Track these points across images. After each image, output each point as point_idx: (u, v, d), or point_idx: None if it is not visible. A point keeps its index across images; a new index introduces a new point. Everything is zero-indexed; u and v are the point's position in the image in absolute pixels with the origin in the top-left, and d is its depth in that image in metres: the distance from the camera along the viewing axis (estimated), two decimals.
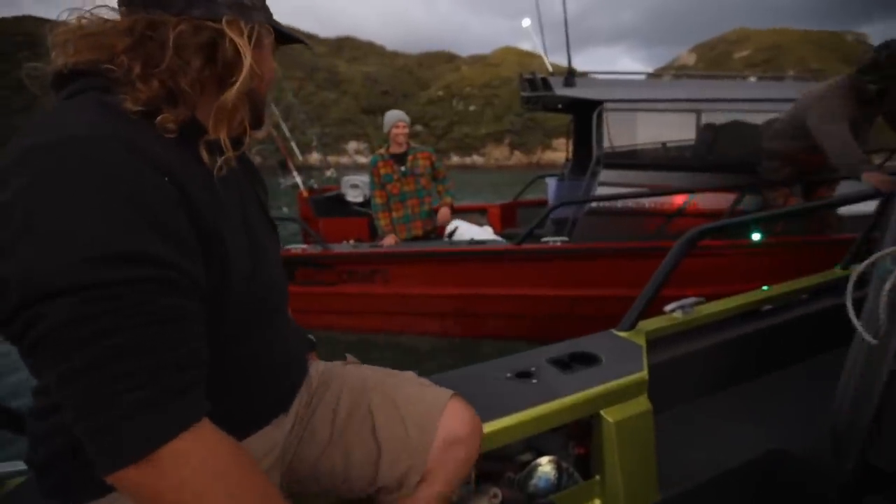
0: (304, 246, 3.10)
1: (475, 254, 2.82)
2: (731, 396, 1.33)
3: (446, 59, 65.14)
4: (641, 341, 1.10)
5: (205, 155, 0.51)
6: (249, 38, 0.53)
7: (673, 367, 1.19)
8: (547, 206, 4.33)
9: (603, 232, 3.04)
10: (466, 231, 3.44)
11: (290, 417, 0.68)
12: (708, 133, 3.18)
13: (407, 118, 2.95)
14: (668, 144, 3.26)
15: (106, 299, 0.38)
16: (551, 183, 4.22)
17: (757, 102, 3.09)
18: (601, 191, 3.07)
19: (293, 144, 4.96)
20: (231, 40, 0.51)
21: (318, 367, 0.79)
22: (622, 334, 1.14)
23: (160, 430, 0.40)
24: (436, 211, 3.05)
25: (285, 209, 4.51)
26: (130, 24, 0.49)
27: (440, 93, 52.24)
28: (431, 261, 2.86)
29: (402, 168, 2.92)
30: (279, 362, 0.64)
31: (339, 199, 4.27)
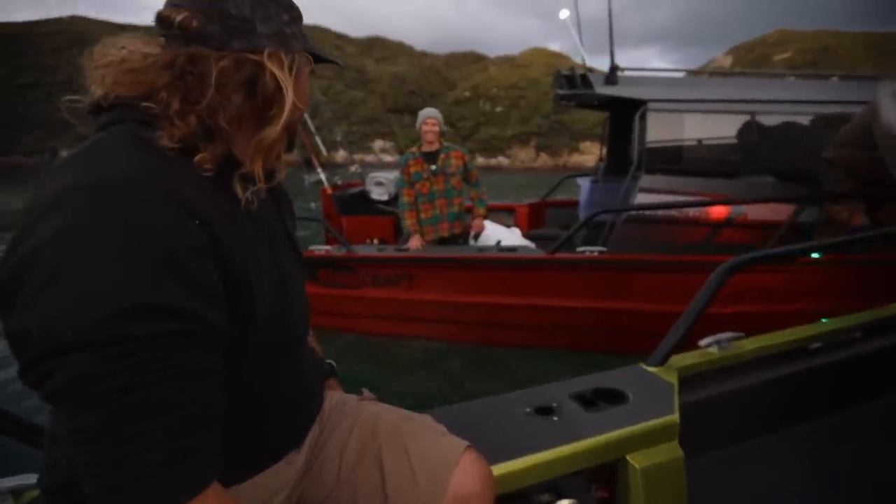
0: (328, 247, 3.02)
1: (507, 262, 2.67)
2: (773, 444, 1.21)
3: (474, 59, 64.87)
4: (673, 379, 1.02)
5: (239, 191, 0.51)
6: (290, 69, 0.52)
7: (708, 408, 1.09)
8: (578, 207, 4.16)
9: (642, 241, 2.84)
10: (493, 232, 3.29)
11: (302, 454, 0.66)
12: (761, 137, 2.93)
13: (439, 115, 2.85)
14: (716, 148, 3.02)
15: (124, 356, 0.38)
16: (584, 184, 4.02)
17: (820, 105, 2.82)
18: (642, 197, 2.87)
19: (318, 140, 4.92)
20: (272, 74, 0.50)
21: (331, 399, 0.76)
22: (652, 370, 1.06)
23: (168, 495, 0.39)
24: (467, 210, 2.92)
25: (312, 205, 4.48)
26: (171, 59, 0.48)
27: (467, 93, 52.07)
28: (459, 267, 2.73)
29: (433, 167, 2.81)
30: (296, 398, 0.63)
31: (364, 197, 4.19)
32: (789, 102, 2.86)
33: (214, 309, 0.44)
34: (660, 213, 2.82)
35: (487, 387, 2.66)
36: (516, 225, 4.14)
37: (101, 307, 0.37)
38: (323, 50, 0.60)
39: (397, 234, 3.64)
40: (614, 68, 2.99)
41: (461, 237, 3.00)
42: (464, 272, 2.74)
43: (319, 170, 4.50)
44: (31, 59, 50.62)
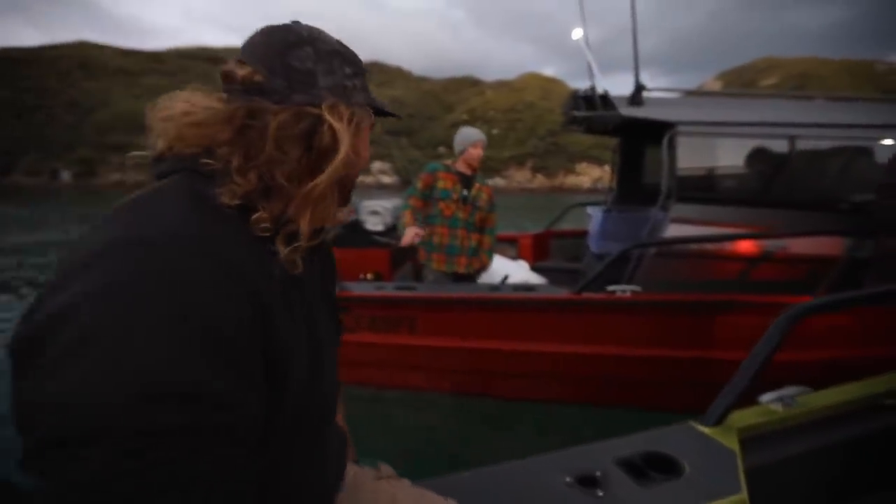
0: None
1: (525, 303, 2.32)
2: None
3: (471, 83, 66.27)
4: (733, 443, 0.91)
5: (282, 249, 0.47)
6: (349, 121, 0.51)
7: (773, 476, 0.96)
8: (586, 238, 3.88)
9: (673, 276, 2.53)
10: (500, 266, 2.99)
11: None
12: (803, 163, 2.66)
13: (486, 139, 2.55)
14: (754, 175, 2.75)
15: (151, 451, 0.32)
16: (595, 214, 3.72)
17: (871, 129, 2.56)
18: (673, 228, 2.57)
19: None
20: (330, 126, 0.49)
21: (346, 478, 0.67)
22: (707, 430, 0.96)
23: None
24: (481, 246, 2.63)
25: None
26: (231, 112, 0.47)
27: (464, 116, 52.92)
28: (469, 308, 2.38)
29: (465, 192, 2.50)
30: (317, 487, 0.56)
31: (356, 227, 3.84)
32: (835, 126, 2.60)
33: (254, 393, 0.39)
34: (693, 246, 2.53)
35: (508, 447, 2.29)
36: (520, 256, 3.84)
37: (132, 387, 0.33)
38: (384, 104, 0.58)
39: (393, 268, 3.30)
40: (640, 87, 2.73)
41: (477, 274, 2.68)
42: (474, 314, 2.40)
43: None
44: (35, 82, 51.22)
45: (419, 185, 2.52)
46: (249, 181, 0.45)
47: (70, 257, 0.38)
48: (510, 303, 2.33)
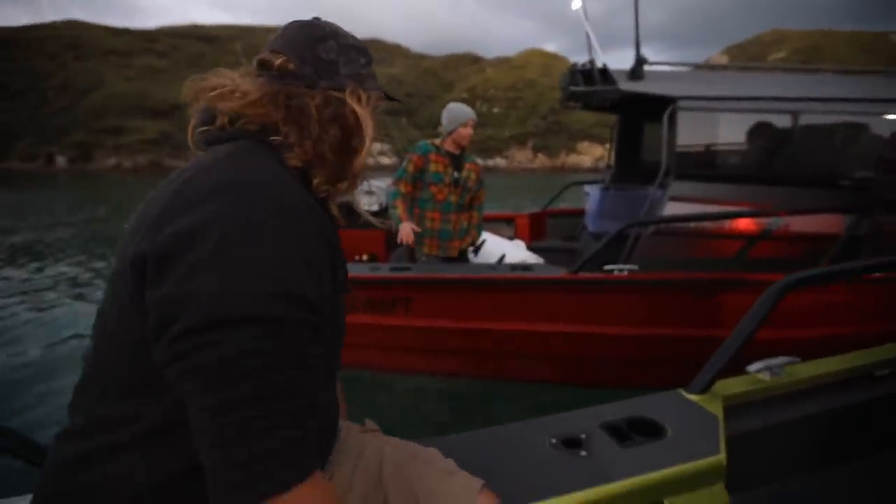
0: None
1: (522, 283, 2.31)
2: (830, 481, 1.09)
3: (471, 61, 64.78)
4: (717, 410, 0.93)
5: (335, 210, 0.63)
6: (367, 104, 0.61)
7: (756, 442, 0.99)
8: (583, 217, 3.84)
9: (671, 255, 2.51)
10: (496, 246, 2.96)
11: None
12: (807, 139, 2.60)
13: (476, 117, 2.45)
14: (755, 152, 2.69)
15: (277, 336, 0.41)
16: (593, 192, 3.67)
17: (876, 104, 2.49)
18: (672, 206, 2.54)
19: None
20: (352, 109, 0.59)
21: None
22: (693, 398, 0.97)
23: (294, 472, 0.41)
24: (471, 222, 2.59)
25: None
26: (274, 94, 0.56)
27: (464, 95, 51.91)
28: (465, 289, 2.37)
29: (456, 174, 2.42)
30: (329, 422, 0.64)
31: (350, 208, 3.80)
32: (838, 101, 2.53)
33: (327, 311, 0.49)
34: (692, 224, 2.50)
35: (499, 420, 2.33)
36: (517, 236, 3.80)
37: (262, 286, 0.41)
38: (387, 89, 0.68)
39: (389, 248, 3.28)
40: (640, 61, 2.64)
41: (475, 248, 2.66)
42: (470, 295, 2.39)
43: None
44: (26, 63, 50.16)
45: (409, 167, 2.41)
46: (307, 152, 0.56)
47: (179, 196, 0.46)
48: (507, 283, 2.32)
